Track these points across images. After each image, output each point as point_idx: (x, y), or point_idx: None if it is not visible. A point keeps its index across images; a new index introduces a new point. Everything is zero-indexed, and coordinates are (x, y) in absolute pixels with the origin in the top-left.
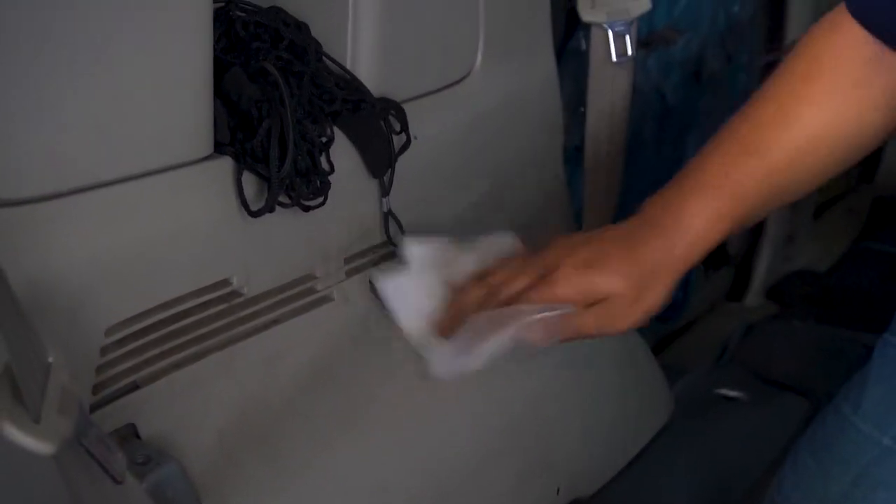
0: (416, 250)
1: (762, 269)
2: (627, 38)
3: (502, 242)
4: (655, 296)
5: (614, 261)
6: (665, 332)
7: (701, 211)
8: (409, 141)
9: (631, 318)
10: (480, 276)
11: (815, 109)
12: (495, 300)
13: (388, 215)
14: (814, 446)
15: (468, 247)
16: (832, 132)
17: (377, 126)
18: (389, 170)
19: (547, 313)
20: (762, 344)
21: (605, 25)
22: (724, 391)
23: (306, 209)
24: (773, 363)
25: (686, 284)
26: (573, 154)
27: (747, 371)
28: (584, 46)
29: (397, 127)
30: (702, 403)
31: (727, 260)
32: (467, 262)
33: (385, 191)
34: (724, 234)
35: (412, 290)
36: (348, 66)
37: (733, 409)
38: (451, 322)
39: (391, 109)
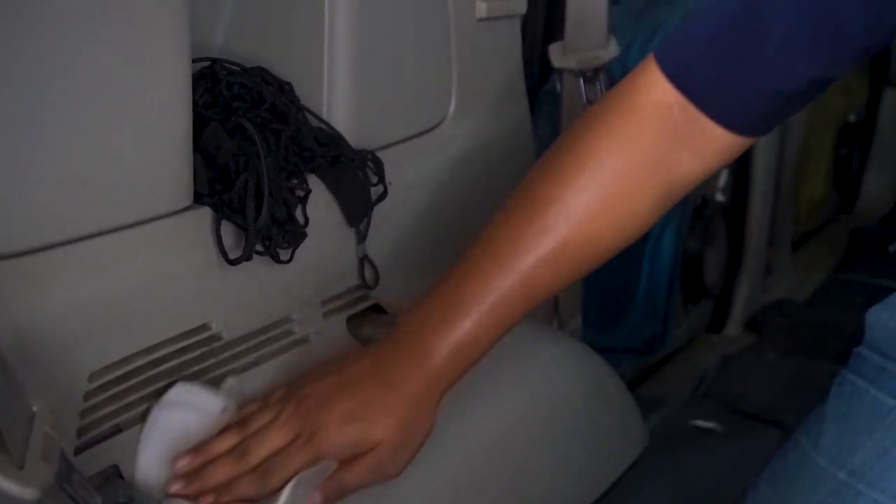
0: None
1: (741, 301)
2: (598, 83)
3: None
4: (422, 431)
5: (377, 409)
6: (645, 364)
7: (456, 338)
8: (385, 191)
9: (401, 461)
10: (238, 420)
11: (585, 205)
12: (249, 459)
13: (363, 260)
14: (774, 479)
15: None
16: (597, 234)
17: (355, 177)
18: (366, 218)
19: (310, 473)
20: (737, 376)
21: (576, 72)
22: (699, 423)
23: (278, 260)
24: (748, 395)
25: (665, 318)
26: None
27: (722, 403)
28: (558, 88)
29: (374, 178)
30: (676, 435)
31: (705, 293)
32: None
33: (361, 238)
34: (482, 352)
35: (166, 432)
36: (325, 117)
37: (707, 440)
38: (193, 475)
39: (369, 161)
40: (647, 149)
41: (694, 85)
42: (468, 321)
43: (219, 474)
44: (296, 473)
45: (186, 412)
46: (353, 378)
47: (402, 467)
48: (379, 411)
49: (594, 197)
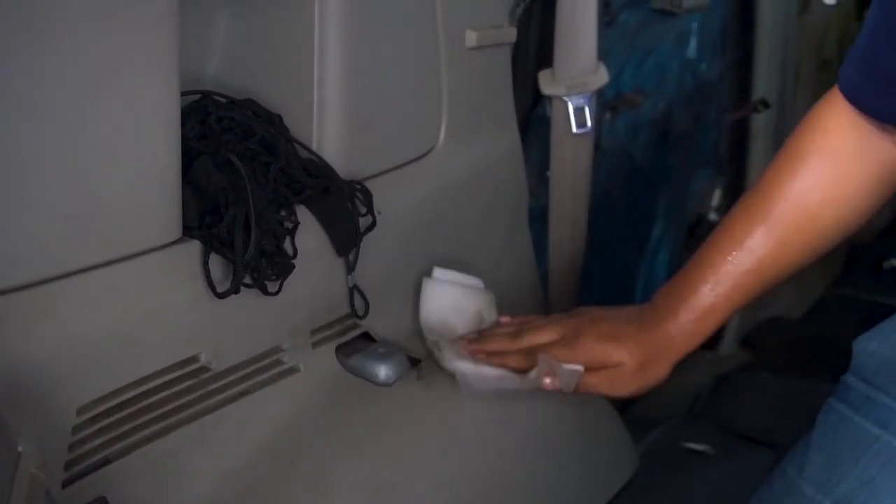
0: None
1: (736, 318)
2: (587, 110)
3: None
4: (656, 373)
5: (627, 338)
6: None
7: (698, 306)
8: (374, 222)
9: (631, 386)
10: (518, 320)
11: (803, 195)
12: (520, 342)
13: (352, 290)
14: None
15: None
16: (818, 214)
17: (344, 208)
18: (355, 249)
19: (564, 367)
20: (731, 396)
21: (565, 98)
22: (691, 445)
23: (266, 292)
24: (741, 416)
25: None
26: (540, 215)
27: (716, 424)
28: (549, 113)
29: (363, 209)
30: (668, 458)
31: None
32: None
33: (350, 268)
34: (719, 323)
35: (447, 299)
36: (314, 147)
37: (699, 462)
38: (476, 340)
39: (358, 192)
40: (849, 140)
41: (862, 100)
42: (707, 290)
43: (495, 344)
44: None
45: (454, 287)
46: (617, 315)
47: (631, 392)
48: (630, 340)
49: (812, 184)
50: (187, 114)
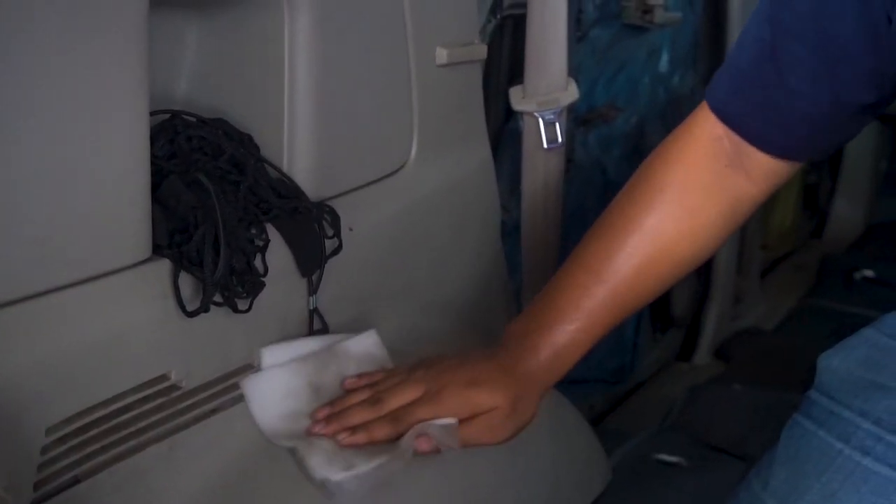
0: (274, 354)
1: (710, 330)
2: (557, 125)
3: (368, 344)
4: (527, 411)
5: (492, 380)
6: (615, 394)
7: (558, 342)
8: (340, 245)
9: (510, 428)
10: (365, 381)
11: (659, 223)
12: (381, 407)
13: (312, 313)
14: None
15: (332, 349)
16: (673, 246)
17: (311, 229)
18: (319, 270)
19: (438, 423)
20: (704, 408)
21: (536, 114)
22: (664, 456)
23: (237, 310)
24: (714, 427)
25: (633, 347)
26: (513, 231)
27: (688, 436)
28: (521, 128)
29: (331, 231)
30: (641, 469)
31: (674, 322)
32: (333, 364)
33: (312, 289)
34: (581, 356)
35: (274, 390)
36: (285, 166)
37: (672, 474)
38: (333, 417)
39: (326, 214)
40: (705, 174)
41: (734, 116)
42: (566, 325)
43: (355, 418)
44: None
45: (273, 372)
46: (474, 359)
47: (509, 435)
48: (496, 382)
49: (667, 218)
50: (157, 133)
